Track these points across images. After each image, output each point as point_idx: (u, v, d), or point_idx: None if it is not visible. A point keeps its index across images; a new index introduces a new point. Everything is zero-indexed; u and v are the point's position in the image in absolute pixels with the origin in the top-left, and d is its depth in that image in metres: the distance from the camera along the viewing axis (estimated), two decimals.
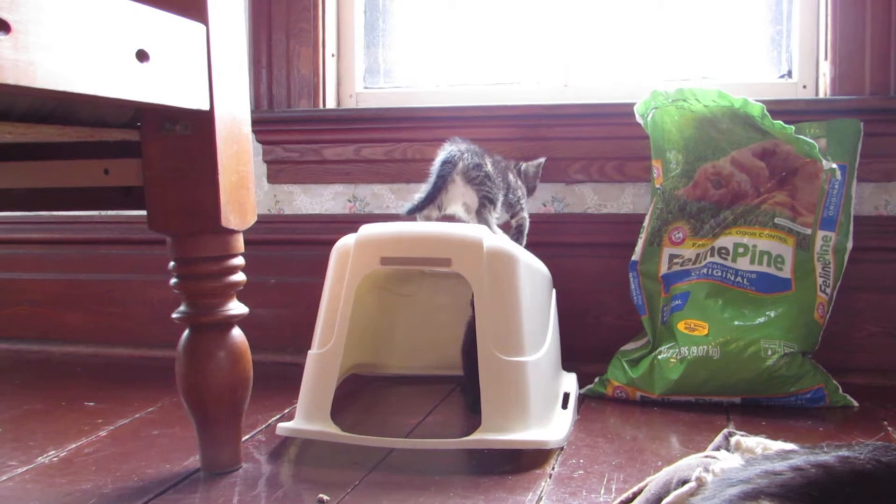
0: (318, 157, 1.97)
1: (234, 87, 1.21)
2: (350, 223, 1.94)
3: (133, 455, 1.35)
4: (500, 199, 1.58)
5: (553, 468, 1.26)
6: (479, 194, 1.54)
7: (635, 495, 0.78)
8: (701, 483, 0.71)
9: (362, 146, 1.95)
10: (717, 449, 0.79)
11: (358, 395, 1.69)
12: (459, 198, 1.55)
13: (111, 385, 1.80)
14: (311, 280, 1.99)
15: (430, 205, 1.53)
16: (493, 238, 1.37)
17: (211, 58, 1.16)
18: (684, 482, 0.72)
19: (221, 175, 1.17)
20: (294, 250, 2.00)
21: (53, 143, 1.24)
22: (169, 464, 1.30)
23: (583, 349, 1.77)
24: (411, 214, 1.55)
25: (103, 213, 2.11)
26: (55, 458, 1.33)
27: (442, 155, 1.56)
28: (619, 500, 0.80)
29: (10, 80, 0.81)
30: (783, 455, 0.69)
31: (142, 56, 1.02)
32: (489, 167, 1.57)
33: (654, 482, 0.74)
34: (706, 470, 0.72)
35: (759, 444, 0.79)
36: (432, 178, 1.53)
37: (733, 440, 0.80)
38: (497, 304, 1.32)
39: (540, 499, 1.14)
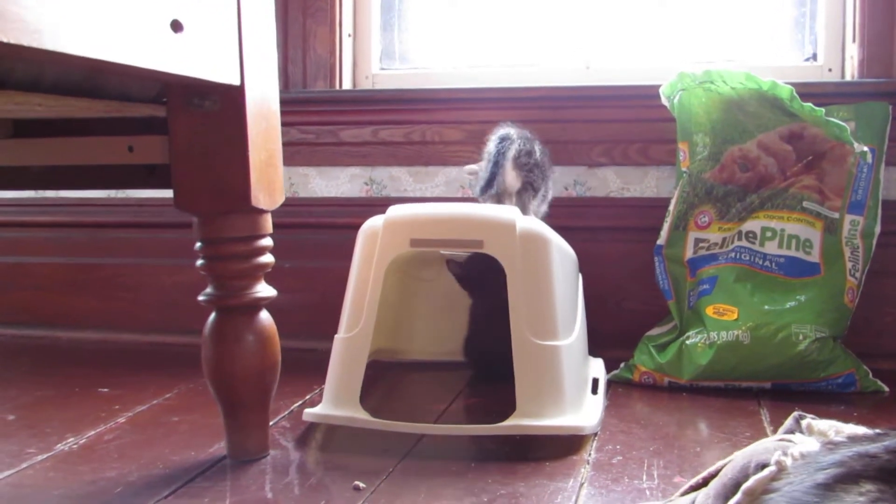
0: (335, 139, 1.94)
1: (263, 62, 1.17)
2: (366, 206, 1.92)
3: (155, 442, 1.31)
4: (541, 193, 1.58)
5: (589, 454, 1.23)
6: (524, 179, 1.55)
7: (706, 480, 0.75)
8: (782, 467, 0.68)
9: (380, 128, 1.91)
10: (790, 432, 0.76)
11: (379, 381, 1.65)
12: (510, 185, 1.55)
13: (124, 371, 1.76)
14: (326, 264, 1.96)
15: (493, 184, 1.53)
16: (526, 219, 1.34)
17: (242, 31, 1.12)
18: (763, 466, 0.69)
19: (251, 153, 1.14)
20: (309, 234, 1.96)
21: (75, 119, 1.20)
22: (193, 451, 1.27)
23: (605, 335, 1.74)
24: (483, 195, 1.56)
25: (112, 195, 2.07)
26: (74, 446, 1.29)
27: (498, 134, 1.57)
28: (688, 484, 0.77)
29: (49, 46, 0.78)
30: (872, 437, 0.66)
31: (176, 26, 0.98)
32: (538, 155, 1.59)
33: (729, 466, 0.71)
34: (785, 454, 0.69)
35: (831, 427, 0.76)
36: (491, 158, 1.53)
37: (804, 423, 0.77)
38: (531, 287, 1.29)
39: (582, 485, 1.11)
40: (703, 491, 0.73)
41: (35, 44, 0.75)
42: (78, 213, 2.10)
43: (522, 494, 1.08)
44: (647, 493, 1.08)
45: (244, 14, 1.12)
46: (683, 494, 0.77)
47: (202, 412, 1.46)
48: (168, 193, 2.02)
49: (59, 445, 1.29)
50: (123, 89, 1.07)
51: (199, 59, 1.03)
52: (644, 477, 1.13)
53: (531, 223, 1.33)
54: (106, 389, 1.61)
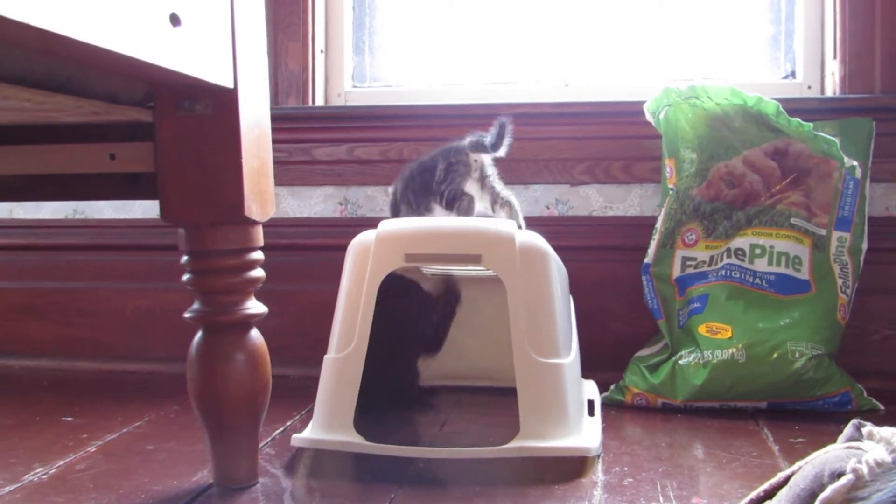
0: (308, 157, 1.87)
1: (255, 66, 1.11)
2: (340, 227, 1.85)
3: (132, 471, 1.23)
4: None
5: (597, 476, 1.18)
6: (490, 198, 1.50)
7: (769, 493, 0.70)
8: (859, 475, 0.64)
9: (356, 146, 1.85)
10: (852, 440, 0.72)
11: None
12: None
13: (86, 400, 1.66)
14: (298, 287, 1.89)
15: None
16: (525, 233, 1.29)
17: (235, 32, 1.06)
18: (838, 475, 0.65)
19: (245, 160, 1.07)
20: (280, 256, 1.88)
21: (50, 127, 1.12)
22: (175, 480, 1.18)
23: (590, 357, 1.69)
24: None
25: (70, 215, 1.97)
26: (45, 476, 1.20)
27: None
28: (749, 498, 0.72)
29: (61, 31, 0.71)
30: None
31: (175, 20, 0.92)
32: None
33: (799, 476, 0.67)
34: (860, 461, 0.65)
35: (894, 434, 0.71)
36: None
37: (865, 430, 0.73)
38: (532, 303, 1.24)
39: None
40: (771, 503, 0.68)
41: (36, 23, 0.69)
42: (32, 235, 1.99)
43: None
44: None
45: (237, 14, 1.06)
46: None
47: (178, 440, 1.38)
48: (129, 214, 1.97)
49: (28, 476, 1.20)
50: (111, 89, 1.00)
51: (196, 56, 0.97)
52: (661, 498, 1.08)
53: (530, 237, 1.28)
54: (70, 418, 1.52)
